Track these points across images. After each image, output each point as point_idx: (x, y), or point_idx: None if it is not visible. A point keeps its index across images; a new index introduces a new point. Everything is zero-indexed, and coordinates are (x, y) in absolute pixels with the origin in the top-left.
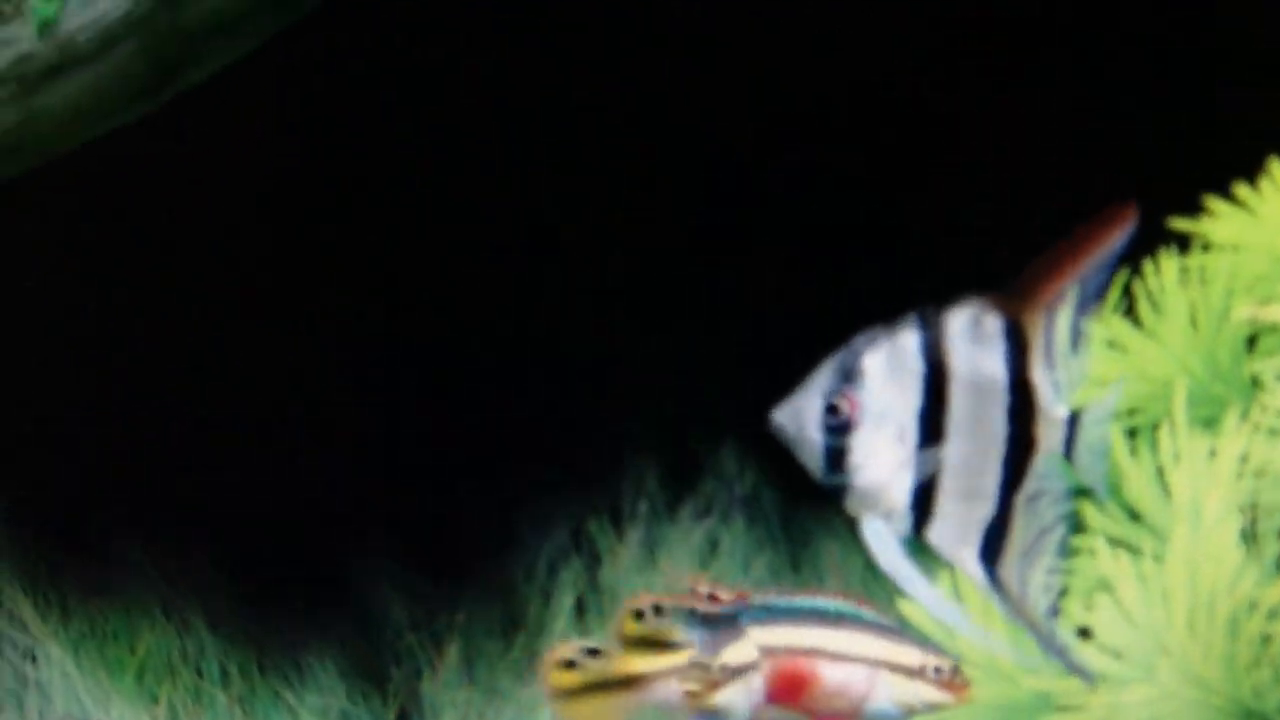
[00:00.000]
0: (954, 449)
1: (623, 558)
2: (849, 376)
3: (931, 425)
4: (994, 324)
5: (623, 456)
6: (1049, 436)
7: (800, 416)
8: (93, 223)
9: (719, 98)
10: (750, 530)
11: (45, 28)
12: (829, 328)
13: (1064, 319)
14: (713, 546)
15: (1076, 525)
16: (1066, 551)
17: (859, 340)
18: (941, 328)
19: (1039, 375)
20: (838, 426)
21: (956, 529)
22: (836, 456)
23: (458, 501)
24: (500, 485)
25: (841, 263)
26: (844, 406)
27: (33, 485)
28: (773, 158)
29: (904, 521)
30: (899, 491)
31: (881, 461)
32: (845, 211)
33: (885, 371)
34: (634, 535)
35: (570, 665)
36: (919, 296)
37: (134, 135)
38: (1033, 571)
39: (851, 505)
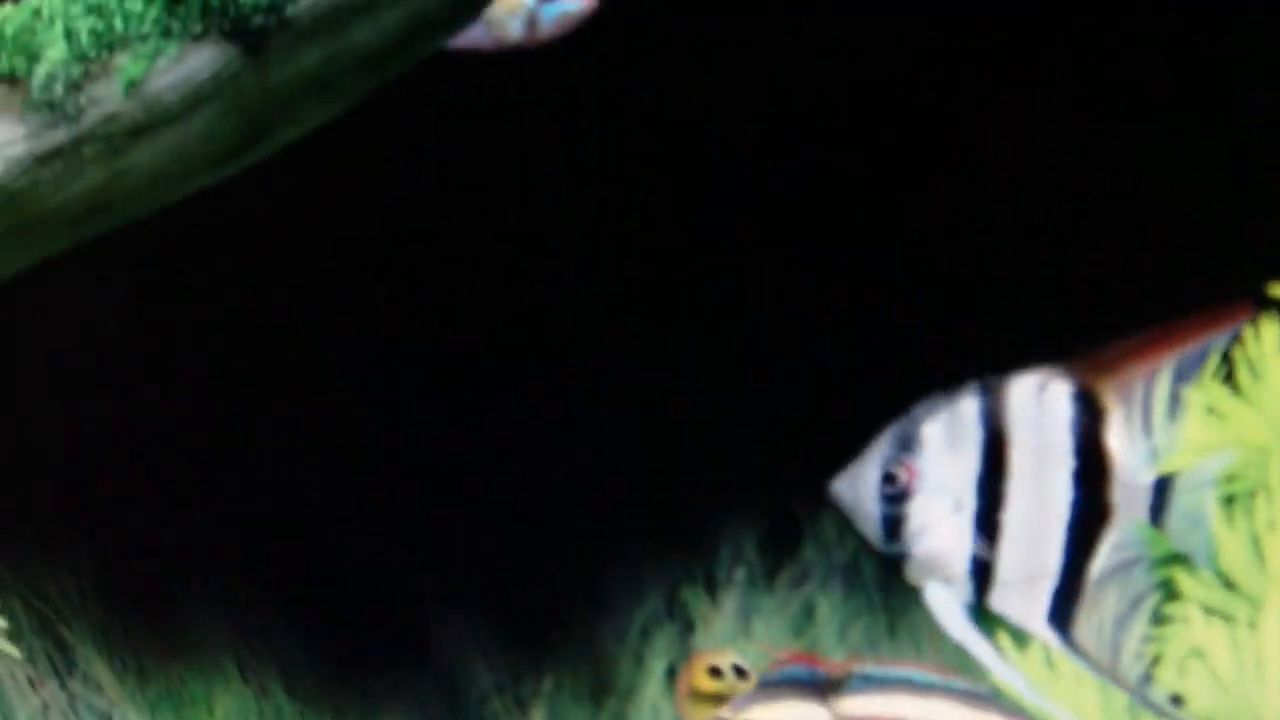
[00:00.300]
0: (1014, 515)
1: (717, 625)
2: (907, 445)
3: (991, 493)
4: (1061, 390)
5: (722, 521)
6: (1130, 503)
7: (858, 485)
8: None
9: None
10: (848, 598)
11: (132, 86)
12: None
13: (1160, 386)
14: (809, 614)
15: (1170, 593)
16: (1157, 619)
17: (918, 408)
18: (1002, 395)
19: (1117, 442)
20: (895, 495)
21: (1019, 595)
22: (894, 525)
23: (547, 562)
24: (592, 547)
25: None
26: (902, 475)
27: (108, 546)
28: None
29: (965, 589)
30: (958, 559)
31: (940, 530)
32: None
33: (944, 439)
34: (729, 602)
35: (715, 673)
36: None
37: None
38: (1125, 639)
39: (911, 574)
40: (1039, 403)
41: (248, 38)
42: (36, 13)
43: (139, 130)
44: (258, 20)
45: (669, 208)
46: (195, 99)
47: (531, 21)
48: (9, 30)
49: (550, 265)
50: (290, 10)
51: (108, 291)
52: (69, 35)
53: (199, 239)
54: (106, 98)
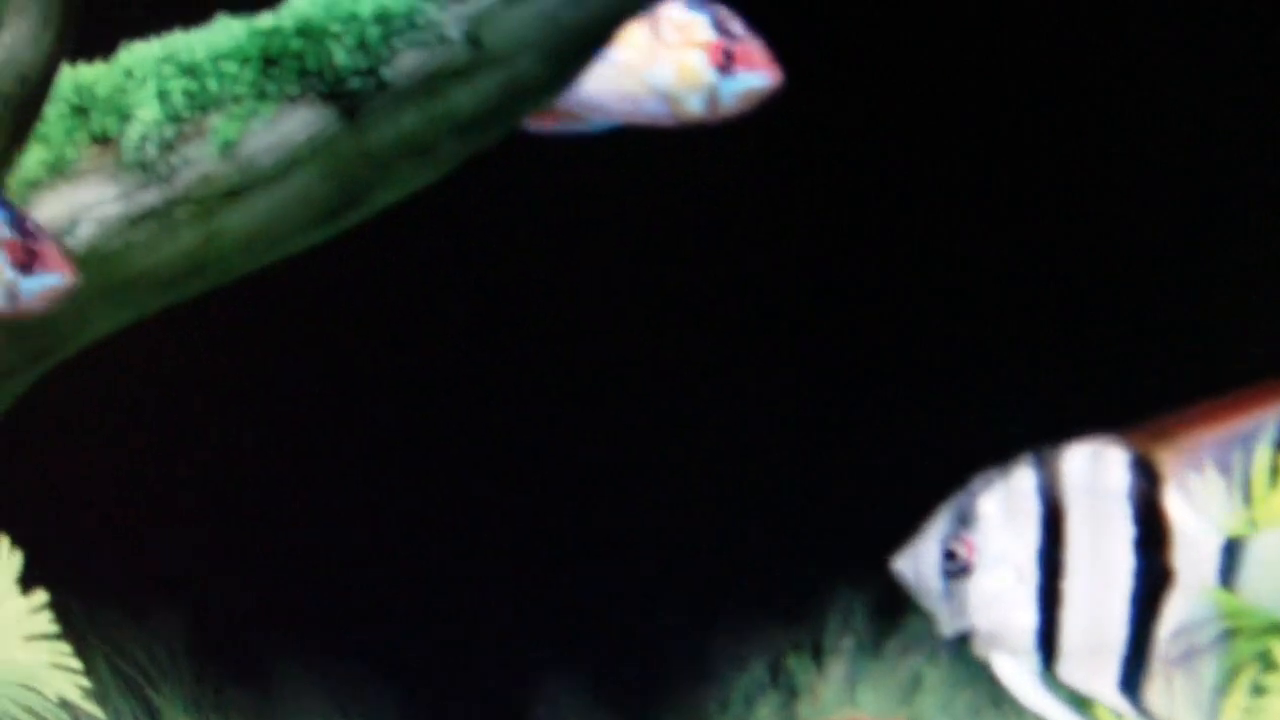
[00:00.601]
0: (1075, 585)
1: (822, 693)
2: (965, 520)
3: (1051, 563)
4: (1117, 458)
5: (831, 590)
6: (1195, 567)
7: (919, 563)
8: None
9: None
10: (954, 666)
11: (227, 148)
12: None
13: (1261, 452)
14: (915, 683)
15: (1268, 664)
16: (1255, 690)
17: (975, 483)
18: (1058, 465)
19: (1179, 507)
20: (956, 571)
21: (1086, 664)
22: (957, 601)
23: (651, 627)
24: (698, 613)
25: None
26: (961, 551)
27: (199, 608)
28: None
29: (1031, 660)
30: (1022, 631)
31: (1002, 603)
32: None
33: (1001, 513)
34: (836, 670)
35: None
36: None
37: None
38: (1223, 711)
39: (977, 648)
40: (1095, 471)
41: (344, 100)
42: (128, 73)
43: (233, 192)
44: (355, 83)
45: (758, 281)
46: (290, 161)
47: (713, 97)
48: (101, 90)
49: (658, 338)
50: (387, 74)
51: (204, 357)
52: (162, 96)
53: (303, 311)
54: (200, 159)
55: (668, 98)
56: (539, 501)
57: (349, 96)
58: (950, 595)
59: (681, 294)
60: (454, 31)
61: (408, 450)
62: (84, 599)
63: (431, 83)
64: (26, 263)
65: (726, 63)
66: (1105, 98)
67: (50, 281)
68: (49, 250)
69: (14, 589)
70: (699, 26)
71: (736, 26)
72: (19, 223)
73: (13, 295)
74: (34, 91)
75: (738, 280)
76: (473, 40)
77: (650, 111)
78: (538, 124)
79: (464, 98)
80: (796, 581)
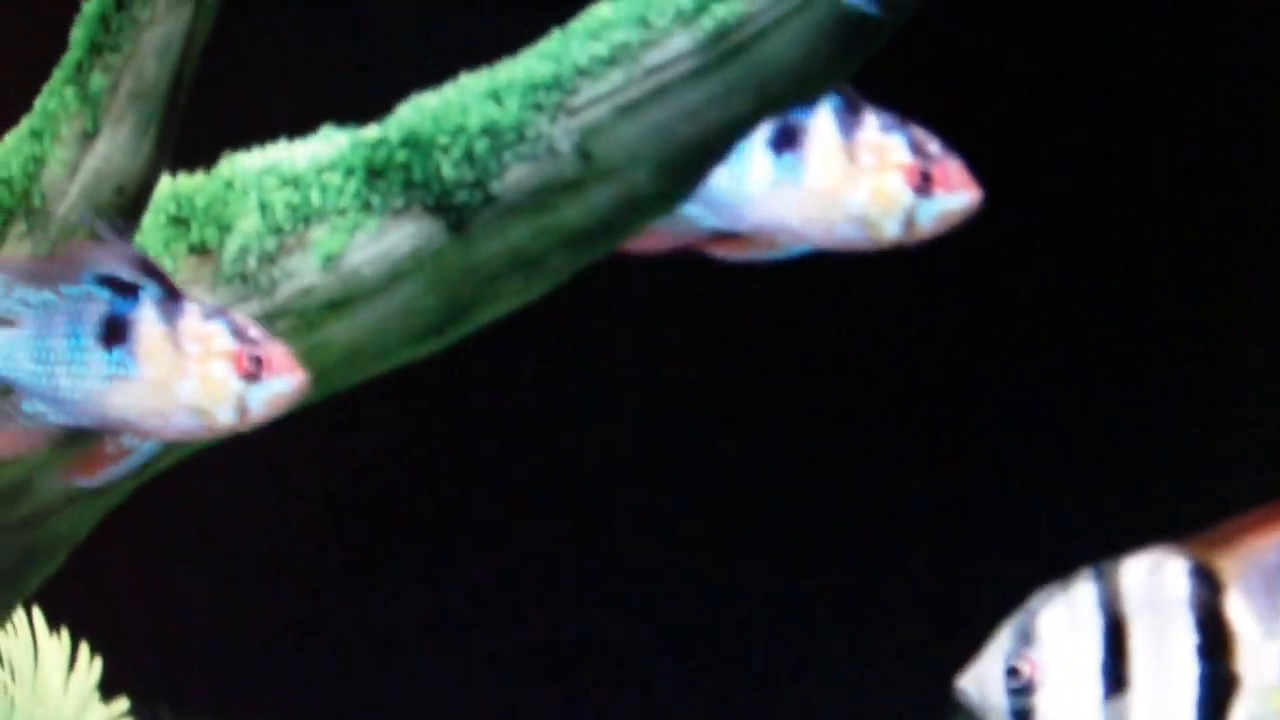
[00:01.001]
0: (1141, 697)
1: None
2: (1027, 637)
3: (1116, 676)
4: (1178, 566)
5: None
6: (1260, 672)
7: (983, 682)
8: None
9: None
10: None
11: (329, 260)
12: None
13: None
14: None
15: None
16: None
17: (1035, 599)
18: (1118, 577)
19: (1241, 613)
20: (1020, 689)
21: None
22: (1023, 718)
23: None
24: None
25: None
26: (1024, 668)
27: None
28: None
29: None
30: None
31: (1069, 718)
32: None
33: (1063, 629)
34: None
35: None
36: None
37: None
38: None
39: None
40: (1155, 582)
41: (451, 213)
42: (229, 184)
43: (335, 305)
44: (462, 195)
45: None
46: (395, 274)
47: (910, 220)
48: (200, 201)
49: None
50: (496, 187)
51: (298, 471)
52: (263, 207)
53: (406, 430)
54: (302, 271)
55: (864, 222)
56: (679, 634)
57: (456, 210)
58: (1016, 713)
59: (842, 422)
60: (564, 144)
61: (510, 578)
62: (175, 710)
63: (541, 196)
64: (253, 372)
65: (924, 184)
66: None
67: (279, 388)
68: (276, 354)
69: (95, 696)
70: (896, 149)
71: (934, 146)
72: (240, 331)
73: (242, 408)
74: (131, 201)
75: (900, 405)
76: (583, 153)
77: (846, 236)
78: (733, 253)
79: (574, 211)
80: (923, 708)
